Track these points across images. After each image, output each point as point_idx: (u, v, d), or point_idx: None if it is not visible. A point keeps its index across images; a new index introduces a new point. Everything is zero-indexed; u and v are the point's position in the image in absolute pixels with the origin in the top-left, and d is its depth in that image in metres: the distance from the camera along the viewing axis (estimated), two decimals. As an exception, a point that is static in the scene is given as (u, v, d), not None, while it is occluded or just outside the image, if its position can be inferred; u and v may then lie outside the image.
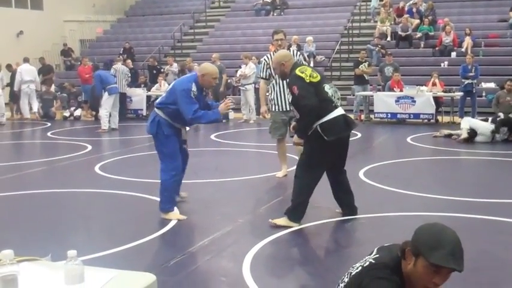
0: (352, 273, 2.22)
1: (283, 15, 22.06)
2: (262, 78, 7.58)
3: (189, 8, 23.73)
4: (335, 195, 5.71)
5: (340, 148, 5.39)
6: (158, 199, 5.90)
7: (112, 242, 5.02)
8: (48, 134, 13.03)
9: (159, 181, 5.78)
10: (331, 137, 5.10)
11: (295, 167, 5.56)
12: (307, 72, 5.18)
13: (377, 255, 2.22)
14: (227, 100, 5.77)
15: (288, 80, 5.44)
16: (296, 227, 5.33)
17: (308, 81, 5.13)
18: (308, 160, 5.29)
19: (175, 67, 16.81)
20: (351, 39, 18.93)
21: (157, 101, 5.84)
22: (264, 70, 7.40)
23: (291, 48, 7.84)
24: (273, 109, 7.34)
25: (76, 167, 8.91)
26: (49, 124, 14.91)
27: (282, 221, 5.36)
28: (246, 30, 21.42)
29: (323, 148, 5.18)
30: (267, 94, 7.60)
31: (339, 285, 2.29)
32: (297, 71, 5.21)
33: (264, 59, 7.45)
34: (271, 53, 7.40)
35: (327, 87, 5.25)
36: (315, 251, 4.99)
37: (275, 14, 22.16)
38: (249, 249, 4.72)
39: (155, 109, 5.78)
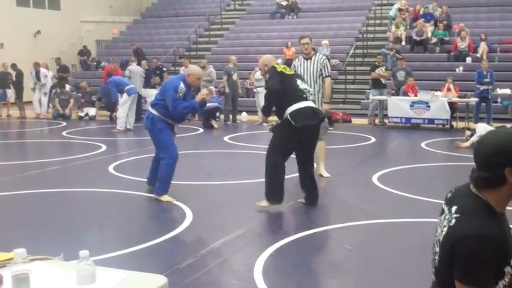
0: (440, 240, 1.96)
1: (298, 18, 22.04)
2: None
3: (205, 10, 23.77)
4: (301, 182, 6.33)
5: (307, 136, 6.01)
6: (170, 199, 6.33)
7: (124, 242, 5.04)
8: (63, 133, 13.11)
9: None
10: (298, 124, 5.78)
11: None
12: (281, 66, 6.14)
13: (456, 207, 1.95)
14: (203, 90, 6.79)
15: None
16: (277, 204, 6.04)
17: (279, 70, 5.99)
18: (277, 145, 6.00)
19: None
20: (365, 43, 18.87)
21: (152, 100, 6.69)
22: None
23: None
24: None
25: (90, 166, 8.95)
26: (64, 123, 15.02)
27: (265, 203, 6.06)
28: (260, 33, 21.42)
29: (291, 134, 5.88)
30: None
31: (434, 260, 2.05)
32: (274, 65, 6.17)
33: (293, 63, 7.88)
34: (300, 57, 7.74)
35: (299, 82, 6.07)
36: (328, 255, 4.98)
37: (290, 17, 22.14)
38: (261, 253, 4.71)
39: (149, 107, 6.67)
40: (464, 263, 1.83)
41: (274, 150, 6.00)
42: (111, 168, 8.52)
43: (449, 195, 2.07)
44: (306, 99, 5.97)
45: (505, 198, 1.90)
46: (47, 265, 2.27)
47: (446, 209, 2.01)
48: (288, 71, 6.10)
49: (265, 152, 6.13)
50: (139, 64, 16.05)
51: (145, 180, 7.07)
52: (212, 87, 7.50)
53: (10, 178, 8.02)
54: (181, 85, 6.31)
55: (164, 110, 6.38)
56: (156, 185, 6.60)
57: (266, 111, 6.34)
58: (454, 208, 1.96)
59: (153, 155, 7.00)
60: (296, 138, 5.95)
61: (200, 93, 6.67)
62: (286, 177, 6.96)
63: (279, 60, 18.60)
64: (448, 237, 1.91)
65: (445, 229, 1.94)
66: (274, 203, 6.05)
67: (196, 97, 6.79)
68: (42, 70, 17.25)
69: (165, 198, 6.48)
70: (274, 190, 6.03)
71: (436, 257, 2.01)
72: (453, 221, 1.92)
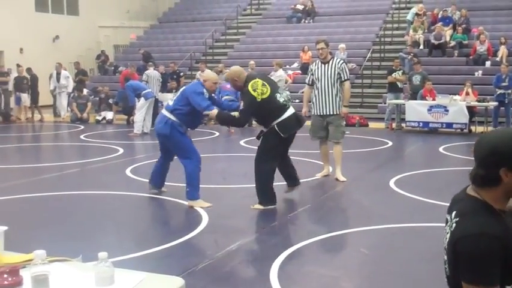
0: (445, 247, 1.97)
1: (315, 22, 22.00)
2: (307, 84, 8.06)
3: (221, 15, 23.84)
4: (280, 171, 6.53)
5: (291, 139, 6.34)
6: (186, 203, 6.23)
7: (141, 244, 5.07)
8: (81, 136, 13.22)
9: (185, 174, 6.40)
10: (286, 134, 6.09)
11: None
12: (258, 90, 5.99)
13: (455, 212, 1.96)
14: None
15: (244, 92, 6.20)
16: (272, 206, 6.26)
17: (259, 99, 5.98)
18: (265, 154, 6.19)
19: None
20: (382, 47, 18.79)
21: (168, 106, 6.51)
22: (308, 76, 7.93)
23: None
24: (312, 112, 7.87)
25: (107, 169, 9.02)
26: (82, 127, 15.15)
27: (259, 206, 6.24)
28: (277, 37, 21.43)
29: (279, 143, 6.17)
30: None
31: (445, 269, 2.04)
32: (250, 88, 6.00)
33: (310, 67, 7.98)
34: (317, 61, 7.86)
35: (278, 96, 6.17)
36: (343, 260, 4.96)
37: (306, 22, 22.12)
38: (277, 256, 4.71)
39: (165, 113, 6.47)
40: (467, 262, 1.83)
41: (263, 157, 6.20)
42: (128, 171, 8.58)
43: (450, 203, 2.08)
44: (288, 108, 6.18)
45: (501, 197, 1.91)
46: (66, 266, 2.29)
47: (448, 217, 2.02)
48: (265, 94, 6.00)
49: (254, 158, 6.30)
50: (156, 69, 16.14)
51: (148, 180, 7.09)
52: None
53: (28, 181, 8.11)
54: (204, 90, 6.29)
55: (184, 116, 6.32)
56: (187, 190, 6.42)
57: (224, 121, 6.82)
58: (453, 214, 1.97)
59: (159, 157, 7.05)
60: (283, 144, 6.27)
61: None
62: (302, 180, 6.99)
63: (295, 65, 18.68)
64: (450, 241, 1.92)
65: (448, 235, 1.95)
66: (267, 206, 6.23)
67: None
68: (63, 72, 17.46)
69: (201, 203, 6.34)
70: (266, 194, 6.25)
71: (445, 265, 2.01)
72: (453, 225, 1.93)
